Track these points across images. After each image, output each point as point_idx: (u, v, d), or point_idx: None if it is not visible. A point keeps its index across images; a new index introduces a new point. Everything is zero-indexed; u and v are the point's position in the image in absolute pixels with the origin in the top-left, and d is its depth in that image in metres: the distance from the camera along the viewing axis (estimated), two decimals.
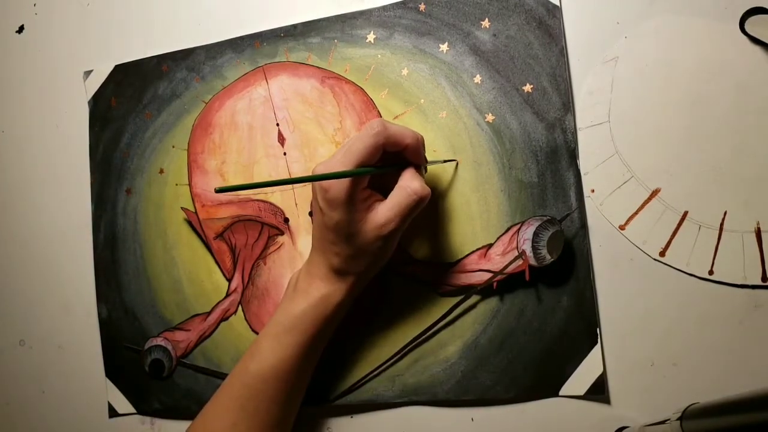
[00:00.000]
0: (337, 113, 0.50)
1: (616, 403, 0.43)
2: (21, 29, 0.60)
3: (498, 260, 0.45)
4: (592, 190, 0.45)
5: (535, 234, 0.43)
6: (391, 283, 0.47)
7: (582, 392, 0.43)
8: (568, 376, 0.43)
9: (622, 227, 0.44)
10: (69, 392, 0.56)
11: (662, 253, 0.43)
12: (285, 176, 0.50)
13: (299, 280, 0.45)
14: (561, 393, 0.44)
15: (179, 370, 0.52)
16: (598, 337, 0.43)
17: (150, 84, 0.55)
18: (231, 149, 0.52)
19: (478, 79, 0.47)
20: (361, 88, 0.49)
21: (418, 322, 0.47)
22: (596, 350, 0.43)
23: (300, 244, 0.50)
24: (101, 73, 0.57)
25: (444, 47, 0.48)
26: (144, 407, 0.53)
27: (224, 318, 0.52)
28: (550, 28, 0.45)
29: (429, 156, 0.45)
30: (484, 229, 0.46)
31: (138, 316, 0.54)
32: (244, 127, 0.52)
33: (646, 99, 0.44)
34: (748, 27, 0.42)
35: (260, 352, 0.43)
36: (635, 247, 0.43)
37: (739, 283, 0.41)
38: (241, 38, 0.53)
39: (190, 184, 0.53)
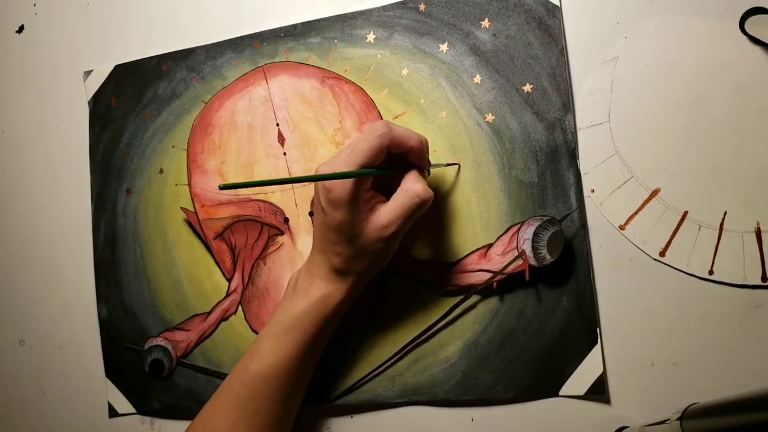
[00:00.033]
0: (337, 113, 0.50)
1: (616, 403, 0.43)
2: (21, 29, 0.60)
3: (498, 260, 0.45)
4: (592, 190, 0.45)
5: (535, 234, 0.43)
6: (392, 283, 0.47)
7: (582, 392, 0.43)
8: (568, 376, 0.43)
9: (622, 227, 0.44)
10: (69, 392, 0.56)
11: (662, 253, 0.43)
12: (285, 176, 0.50)
13: (299, 279, 0.45)
14: (561, 393, 0.44)
15: (179, 370, 0.52)
16: (598, 337, 0.43)
17: (150, 84, 0.55)
18: (231, 149, 0.52)
19: (478, 79, 0.47)
20: (361, 88, 0.49)
21: (418, 322, 0.47)
22: (596, 350, 0.43)
23: (300, 244, 0.50)
24: (101, 73, 0.57)
25: (444, 47, 0.48)
26: (144, 407, 0.53)
27: (224, 318, 0.52)
28: (550, 28, 0.45)
29: (430, 157, 0.45)
30: (484, 229, 0.46)
31: (138, 316, 0.54)
32: (243, 127, 0.52)
33: (646, 99, 0.44)
34: (748, 27, 0.42)
35: (260, 351, 0.43)
36: (635, 247, 0.43)
37: (739, 283, 0.41)
38: (241, 38, 0.53)
39: (189, 184, 0.53)
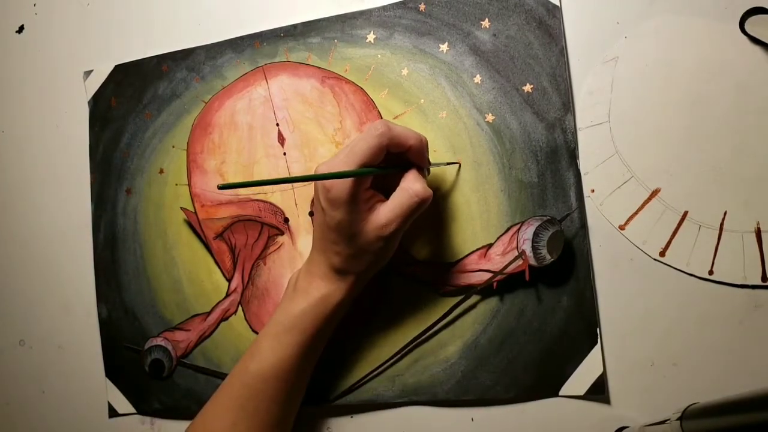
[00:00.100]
0: (337, 113, 0.50)
1: (616, 403, 0.43)
2: (21, 29, 0.60)
3: (498, 260, 0.45)
4: (592, 190, 0.45)
5: (535, 234, 0.43)
6: (391, 283, 0.47)
7: (582, 392, 0.43)
8: (568, 376, 0.43)
9: (622, 227, 0.44)
10: (69, 392, 0.56)
11: (662, 253, 0.43)
12: (285, 176, 0.50)
13: (299, 279, 0.45)
14: (561, 393, 0.44)
15: (179, 370, 0.52)
16: (598, 337, 0.43)
17: (150, 84, 0.55)
18: (231, 149, 0.52)
19: (478, 79, 0.47)
20: (361, 88, 0.49)
21: (418, 322, 0.47)
22: (596, 350, 0.43)
23: (300, 244, 0.50)
24: (101, 73, 0.57)
25: (444, 47, 0.48)
26: (144, 407, 0.53)
27: (224, 318, 0.52)
28: (550, 28, 0.45)
29: (430, 157, 0.45)
30: (484, 229, 0.46)
31: (138, 316, 0.54)
32: (243, 127, 0.52)
33: (646, 99, 0.44)
34: (748, 27, 0.42)
35: (260, 351, 0.43)
36: (635, 247, 0.43)
37: (739, 283, 0.41)
38: (241, 38, 0.53)
39: (189, 184, 0.53)
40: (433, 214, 0.47)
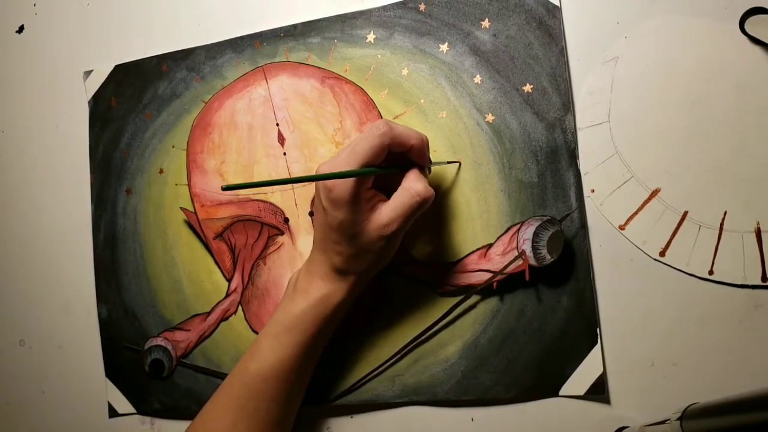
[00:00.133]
0: (337, 113, 0.50)
1: (616, 403, 0.43)
2: (21, 29, 0.60)
3: (498, 260, 0.45)
4: (592, 190, 0.45)
5: (535, 234, 0.43)
6: (392, 283, 0.47)
7: (582, 392, 0.43)
8: (568, 376, 0.43)
9: (622, 227, 0.44)
10: (69, 392, 0.56)
11: (662, 253, 0.43)
12: (285, 176, 0.50)
13: (299, 279, 0.45)
14: (561, 393, 0.44)
15: (179, 370, 0.52)
16: (598, 337, 0.43)
17: (150, 84, 0.55)
18: (230, 149, 0.52)
19: (478, 79, 0.47)
20: (361, 88, 0.49)
21: (418, 322, 0.47)
22: (596, 350, 0.43)
23: (300, 244, 0.50)
24: (101, 73, 0.57)
25: (444, 47, 0.48)
26: (144, 407, 0.53)
27: (224, 318, 0.52)
28: (550, 28, 0.45)
29: (431, 156, 0.45)
30: (484, 229, 0.46)
31: (138, 316, 0.54)
32: (243, 127, 0.52)
33: (646, 99, 0.44)
34: (748, 27, 0.42)
35: (260, 351, 0.43)
36: (635, 247, 0.43)
37: (739, 283, 0.41)
38: (241, 38, 0.53)
39: (189, 184, 0.53)
40: (434, 214, 0.47)
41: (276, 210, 0.51)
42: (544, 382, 0.44)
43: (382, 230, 0.40)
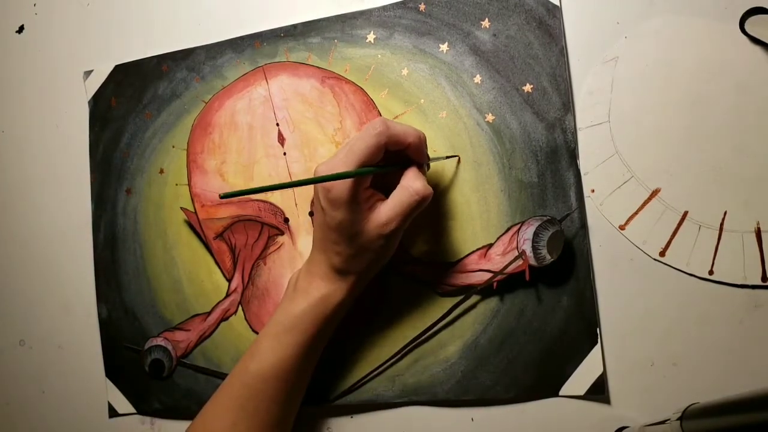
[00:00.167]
0: (337, 113, 0.50)
1: (616, 403, 0.43)
2: (21, 29, 0.60)
3: (498, 260, 0.45)
4: (592, 190, 0.45)
5: (535, 234, 0.43)
6: (391, 283, 0.47)
7: (582, 392, 0.43)
8: (568, 376, 0.43)
9: (622, 227, 0.44)
10: (69, 392, 0.56)
11: (662, 253, 0.43)
12: (285, 176, 0.50)
13: (299, 279, 0.45)
14: (561, 393, 0.44)
15: (179, 370, 0.52)
16: (598, 337, 0.43)
17: (150, 84, 0.55)
18: (231, 149, 0.52)
19: (478, 79, 0.47)
20: (361, 88, 0.49)
21: (418, 322, 0.47)
22: (596, 350, 0.43)
23: (300, 244, 0.50)
24: (101, 73, 0.57)
25: (444, 47, 0.48)
26: (144, 407, 0.53)
27: (224, 318, 0.52)
28: (550, 28, 0.45)
29: (429, 155, 0.45)
30: (484, 229, 0.46)
31: (138, 316, 0.54)
32: (243, 127, 0.52)
33: (646, 99, 0.44)
34: (748, 27, 0.42)
35: (260, 351, 0.43)
36: (635, 247, 0.43)
37: (739, 283, 0.41)
38: (241, 38, 0.53)
39: (189, 184, 0.53)
40: (434, 214, 0.47)
41: (276, 210, 0.51)
42: (544, 382, 0.44)
43: (381, 229, 0.40)
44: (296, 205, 0.50)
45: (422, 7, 0.48)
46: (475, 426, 0.46)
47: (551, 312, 0.44)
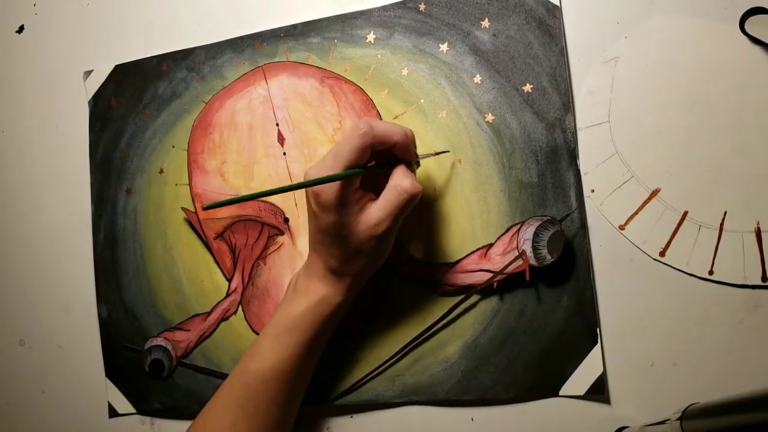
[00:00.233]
0: (336, 113, 0.50)
1: (616, 403, 0.43)
2: (21, 29, 0.60)
3: (498, 260, 0.45)
4: (592, 190, 0.45)
5: (536, 234, 0.43)
6: (391, 283, 0.47)
7: (582, 392, 0.43)
8: (568, 376, 0.43)
9: (622, 227, 0.44)
10: (69, 392, 0.56)
11: (662, 253, 0.43)
12: (285, 176, 0.50)
13: (298, 281, 0.45)
14: (561, 393, 0.44)
15: (179, 370, 0.52)
16: (598, 337, 0.43)
17: (150, 84, 0.55)
18: (231, 149, 0.52)
19: (478, 79, 0.47)
20: (361, 88, 0.49)
21: (418, 322, 0.47)
22: (596, 350, 0.43)
23: (300, 244, 0.50)
24: (101, 73, 0.57)
25: (444, 47, 0.48)
26: (144, 407, 0.53)
27: (224, 318, 0.52)
28: (550, 28, 0.45)
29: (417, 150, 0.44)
30: (484, 229, 0.46)
31: (138, 316, 0.54)
32: (243, 127, 0.52)
33: (646, 99, 0.44)
34: (748, 27, 0.42)
35: (260, 352, 0.43)
36: (635, 247, 0.43)
37: (739, 283, 0.41)
38: (241, 38, 0.53)
39: (190, 184, 0.53)
40: (433, 214, 0.47)
41: (276, 210, 0.51)
42: (544, 382, 0.44)
43: (373, 230, 0.40)
44: (296, 205, 0.50)
45: (422, 7, 0.48)
46: (475, 426, 0.46)
47: (551, 312, 0.44)
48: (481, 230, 0.46)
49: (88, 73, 0.57)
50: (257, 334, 0.50)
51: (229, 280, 0.52)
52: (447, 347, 0.46)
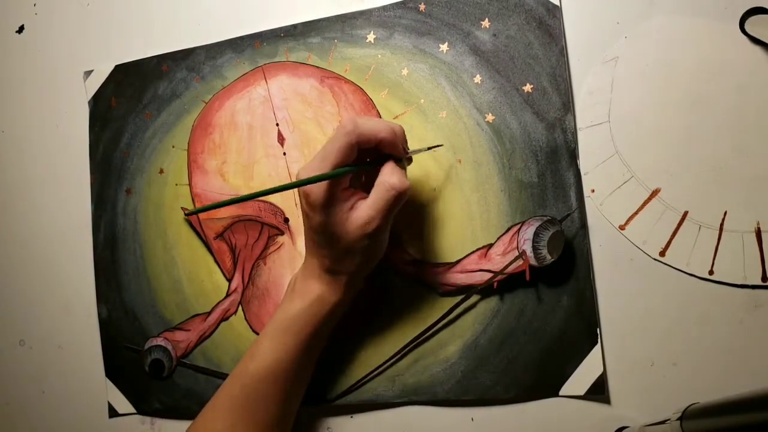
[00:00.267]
0: (336, 113, 0.50)
1: (616, 403, 0.43)
2: (21, 29, 0.60)
3: (498, 260, 0.45)
4: (592, 190, 0.45)
5: (536, 234, 0.43)
6: (391, 283, 0.47)
7: (582, 392, 0.43)
8: (568, 376, 0.43)
9: (622, 227, 0.44)
10: (69, 392, 0.56)
11: (662, 253, 0.43)
12: (285, 176, 0.50)
13: (297, 281, 0.45)
14: (561, 393, 0.44)
15: (179, 370, 0.52)
16: (598, 337, 0.43)
17: (150, 84, 0.55)
18: (231, 149, 0.52)
19: (478, 79, 0.47)
20: (361, 88, 0.49)
21: (418, 322, 0.47)
22: (596, 350, 0.43)
23: (300, 244, 0.50)
24: (101, 73, 0.57)
25: (444, 47, 0.48)
26: (144, 407, 0.53)
27: (224, 318, 0.52)
28: (550, 28, 0.45)
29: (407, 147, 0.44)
30: (485, 229, 0.46)
31: (138, 316, 0.54)
32: (243, 127, 0.52)
33: (646, 99, 0.44)
34: (748, 27, 0.42)
35: (259, 352, 0.44)
36: (635, 247, 0.43)
37: (739, 283, 0.41)
38: (241, 38, 0.53)
39: (190, 184, 0.53)
40: (434, 214, 0.47)
41: (276, 210, 0.51)
42: (544, 382, 0.44)
43: (364, 229, 0.40)
44: (296, 205, 0.50)
45: (422, 7, 0.48)
46: (475, 426, 0.46)
47: (551, 312, 0.44)
48: (481, 230, 0.46)
49: (88, 73, 0.57)
50: (257, 334, 0.50)
51: (229, 280, 0.52)
52: (447, 347, 0.46)
